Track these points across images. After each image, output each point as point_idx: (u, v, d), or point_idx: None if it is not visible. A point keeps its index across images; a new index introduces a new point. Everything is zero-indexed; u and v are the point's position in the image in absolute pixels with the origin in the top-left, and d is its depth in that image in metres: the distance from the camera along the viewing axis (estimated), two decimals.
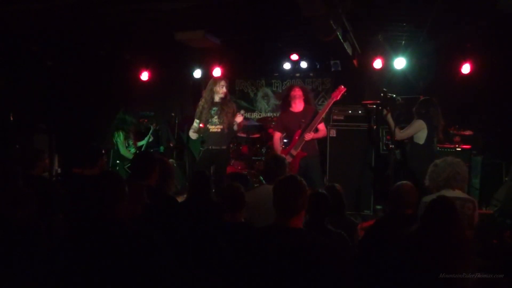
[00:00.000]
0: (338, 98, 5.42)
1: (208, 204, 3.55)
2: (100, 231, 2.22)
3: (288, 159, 5.30)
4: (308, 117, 5.37)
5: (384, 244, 2.85)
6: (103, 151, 4.42)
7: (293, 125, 5.47)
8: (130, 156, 6.49)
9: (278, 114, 8.10)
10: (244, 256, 2.34)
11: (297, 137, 5.36)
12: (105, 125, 7.67)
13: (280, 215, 2.40)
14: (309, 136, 5.27)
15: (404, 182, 3.38)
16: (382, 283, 2.62)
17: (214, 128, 5.47)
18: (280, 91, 8.36)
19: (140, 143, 6.71)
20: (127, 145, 6.55)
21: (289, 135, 5.63)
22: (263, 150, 6.93)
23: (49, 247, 2.46)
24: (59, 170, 6.70)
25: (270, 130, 6.70)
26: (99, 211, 2.27)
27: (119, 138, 6.49)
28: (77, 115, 7.20)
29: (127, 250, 2.16)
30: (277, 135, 5.63)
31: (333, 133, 6.21)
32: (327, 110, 5.47)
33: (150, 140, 6.78)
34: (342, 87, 5.44)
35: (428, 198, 3.18)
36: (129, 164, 6.47)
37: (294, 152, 5.35)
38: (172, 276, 2.17)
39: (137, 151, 6.56)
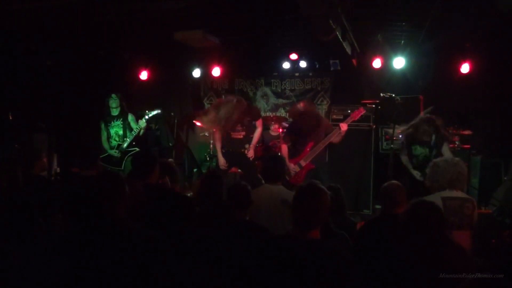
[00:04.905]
0: (356, 118, 5.61)
1: (218, 203, 3.56)
2: (99, 230, 2.22)
3: (296, 168, 5.37)
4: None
5: (375, 244, 2.84)
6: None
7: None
8: (109, 150, 6.14)
9: (277, 114, 8.16)
10: (257, 264, 2.27)
11: (308, 149, 5.39)
12: None
13: (298, 227, 2.19)
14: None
15: (392, 181, 3.38)
16: (374, 283, 2.60)
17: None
18: (280, 90, 8.36)
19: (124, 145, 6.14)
20: (109, 136, 6.12)
21: (297, 146, 5.59)
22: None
23: (49, 247, 2.46)
24: (58, 170, 6.69)
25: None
26: (99, 210, 2.27)
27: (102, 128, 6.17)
28: (77, 114, 7.19)
29: (127, 249, 2.16)
30: (285, 147, 5.62)
31: None
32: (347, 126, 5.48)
33: (141, 131, 6.13)
34: (362, 109, 5.74)
35: (428, 199, 3.18)
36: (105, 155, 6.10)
37: (303, 163, 5.40)
38: (173, 275, 2.17)
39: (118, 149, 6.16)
